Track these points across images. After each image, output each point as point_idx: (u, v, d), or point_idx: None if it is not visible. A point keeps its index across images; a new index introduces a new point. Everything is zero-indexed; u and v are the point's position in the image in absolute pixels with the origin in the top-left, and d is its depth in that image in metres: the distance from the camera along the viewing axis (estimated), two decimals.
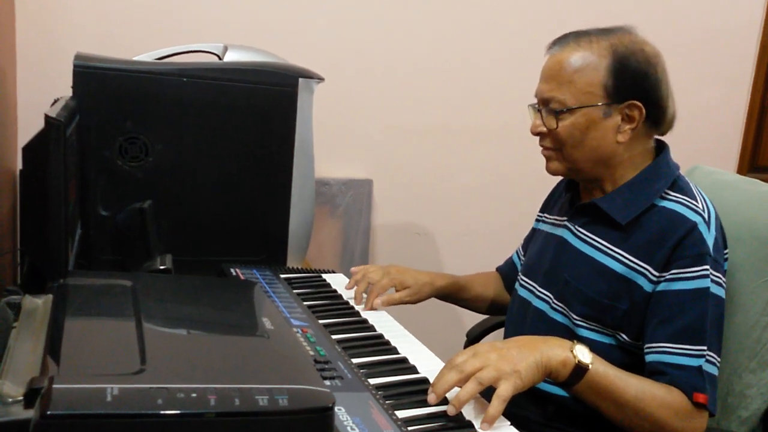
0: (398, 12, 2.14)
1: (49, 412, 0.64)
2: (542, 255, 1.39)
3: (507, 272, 1.60)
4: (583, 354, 1.08)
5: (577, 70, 1.22)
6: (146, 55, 1.60)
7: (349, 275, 1.54)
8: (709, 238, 1.18)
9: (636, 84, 1.22)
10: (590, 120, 1.22)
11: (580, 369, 1.07)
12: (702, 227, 1.18)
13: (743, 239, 1.32)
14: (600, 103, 1.22)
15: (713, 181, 1.49)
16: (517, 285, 1.45)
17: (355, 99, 2.15)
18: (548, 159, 1.30)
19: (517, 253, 1.60)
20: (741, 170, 2.57)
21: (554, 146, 1.27)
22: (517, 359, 1.03)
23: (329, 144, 2.01)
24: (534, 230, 1.52)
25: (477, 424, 0.95)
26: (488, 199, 2.33)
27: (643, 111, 1.22)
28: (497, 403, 0.97)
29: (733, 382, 1.31)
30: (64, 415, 0.65)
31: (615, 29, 1.25)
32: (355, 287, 1.44)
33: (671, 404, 1.10)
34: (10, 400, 0.71)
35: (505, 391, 0.99)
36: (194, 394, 0.70)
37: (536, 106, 1.29)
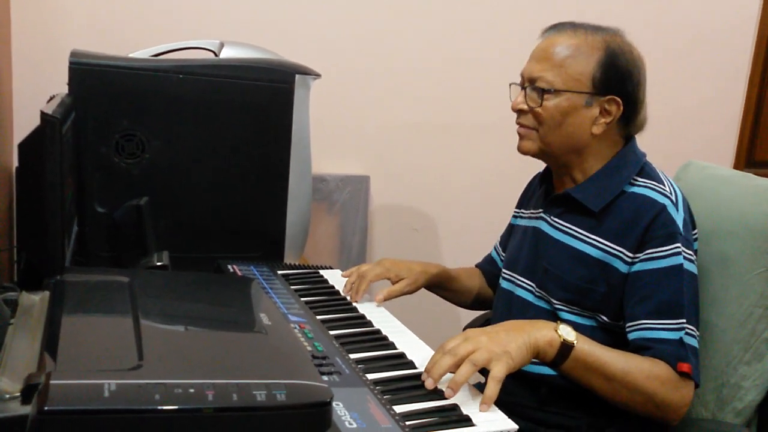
0: (395, 8, 2.13)
1: (46, 408, 0.64)
2: (521, 247, 1.42)
3: (488, 269, 1.63)
4: (567, 333, 1.12)
5: (570, 56, 1.26)
6: (142, 51, 1.59)
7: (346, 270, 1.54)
8: (678, 218, 1.23)
9: (620, 81, 1.26)
10: (572, 106, 1.26)
11: (566, 347, 1.11)
12: (671, 209, 1.23)
13: (736, 232, 1.33)
14: (585, 92, 1.26)
15: (707, 176, 1.50)
16: (500, 279, 1.48)
17: (352, 95, 2.15)
18: (522, 137, 1.33)
19: (495, 249, 1.64)
20: (738, 166, 2.57)
21: (532, 125, 1.30)
22: (507, 341, 1.07)
23: (326, 140, 2.01)
24: (512, 226, 1.56)
25: (474, 418, 0.95)
26: (485, 195, 2.33)
27: (621, 108, 1.27)
28: (493, 384, 1.00)
29: (728, 374, 1.32)
30: (61, 410, 0.65)
31: (607, 28, 1.30)
32: (347, 279, 1.45)
33: (658, 375, 1.13)
34: (8, 396, 0.71)
35: (499, 371, 1.03)
36: (192, 390, 0.70)
37: (520, 84, 1.33)
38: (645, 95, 1.31)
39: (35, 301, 1.00)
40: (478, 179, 2.32)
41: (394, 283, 1.46)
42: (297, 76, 1.50)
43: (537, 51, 1.31)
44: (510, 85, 1.36)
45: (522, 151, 1.34)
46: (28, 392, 0.68)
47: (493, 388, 1.00)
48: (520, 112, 1.32)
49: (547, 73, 1.27)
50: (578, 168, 1.32)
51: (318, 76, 1.55)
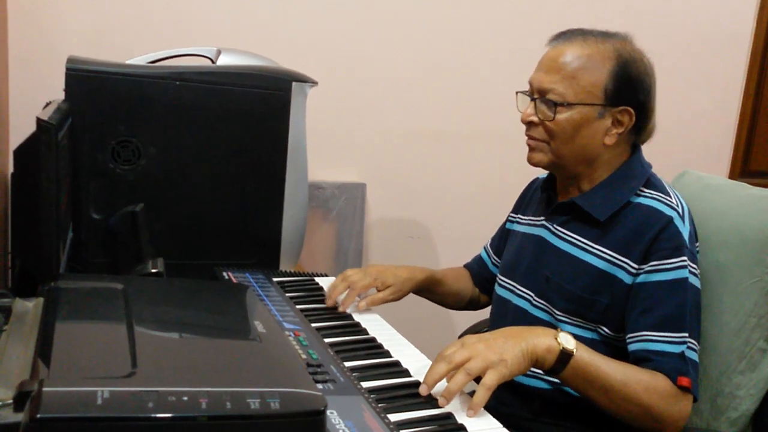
0: (392, 16, 2.14)
1: (39, 416, 0.64)
2: (520, 255, 1.41)
3: (477, 270, 1.62)
4: (567, 341, 1.11)
5: (581, 67, 1.24)
6: (139, 58, 1.60)
7: None
8: (685, 231, 1.23)
9: (633, 91, 1.25)
10: (584, 118, 1.24)
11: (565, 355, 1.09)
12: (677, 221, 1.22)
13: (731, 242, 1.34)
14: (597, 104, 1.24)
15: (702, 186, 1.50)
16: (496, 285, 1.47)
17: (349, 103, 2.16)
18: (533, 149, 1.31)
19: (485, 249, 1.63)
20: (733, 175, 2.58)
21: (543, 138, 1.28)
22: (504, 348, 1.06)
23: (322, 148, 2.00)
24: (507, 231, 1.54)
25: (469, 427, 0.95)
26: (481, 202, 2.33)
27: (633, 118, 1.25)
28: (482, 392, 1.00)
29: (723, 383, 1.32)
30: (54, 418, 0.64)
31: (616, 34, 1.28)
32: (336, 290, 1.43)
33: (657, 388, 1.12)
34: (0, 403, 0.70)
35: (490, 380, 1.02)
36: (185, 398, 0.70)
37: (529, 93, 1.30)
38: (655, 103, 1.29)
39: (29, 307, 0.99)
40: (475, 186, 2.32)
41: (379, 290, 1.44)
42: (294, 83, 1.50)
43: (546, 60, 1.28)
44: (516, 93, 1.33)
45: (532, 163, 1.32)
46: (20, 399, 0.68)
47: (481, 395, 0.99)
48: (530, 124, 1.29)
49: (558, 85, 1.24)
50: (587, 178, 1.30)
51: (315, 83, 1.55)
